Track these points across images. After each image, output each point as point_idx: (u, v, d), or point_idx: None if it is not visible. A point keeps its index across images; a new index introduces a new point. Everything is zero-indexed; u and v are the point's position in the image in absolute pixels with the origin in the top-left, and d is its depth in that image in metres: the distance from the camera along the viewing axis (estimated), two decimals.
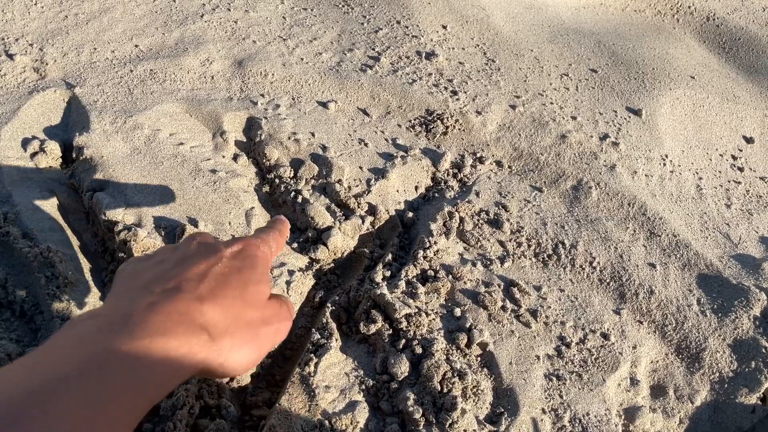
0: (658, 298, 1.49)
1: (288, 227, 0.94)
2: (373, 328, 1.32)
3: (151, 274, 0.69)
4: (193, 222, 1.42)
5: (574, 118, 1.96)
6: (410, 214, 1.62)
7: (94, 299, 1.31)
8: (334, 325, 1.33)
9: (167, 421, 1.09)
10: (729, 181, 1.94)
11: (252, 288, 0.73)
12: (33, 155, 1.55)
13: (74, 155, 1.55)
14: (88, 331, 0.55)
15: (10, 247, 1.34)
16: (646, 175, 1.83)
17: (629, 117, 2.04)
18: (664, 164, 1.90)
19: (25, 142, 1.57)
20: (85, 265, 1.38)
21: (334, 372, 1.25)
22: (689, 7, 2.82)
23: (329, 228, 1.51)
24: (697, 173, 1.92)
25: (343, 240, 1.52)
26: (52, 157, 1.56)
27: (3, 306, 1.28)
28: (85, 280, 1.34)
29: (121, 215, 1.41)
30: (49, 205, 1.46)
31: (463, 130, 1.86)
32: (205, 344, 0.61)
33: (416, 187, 1.70)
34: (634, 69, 2.30)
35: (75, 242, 1.42)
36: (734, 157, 2.05)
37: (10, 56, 1.75)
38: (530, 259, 1.56)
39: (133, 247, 1.33)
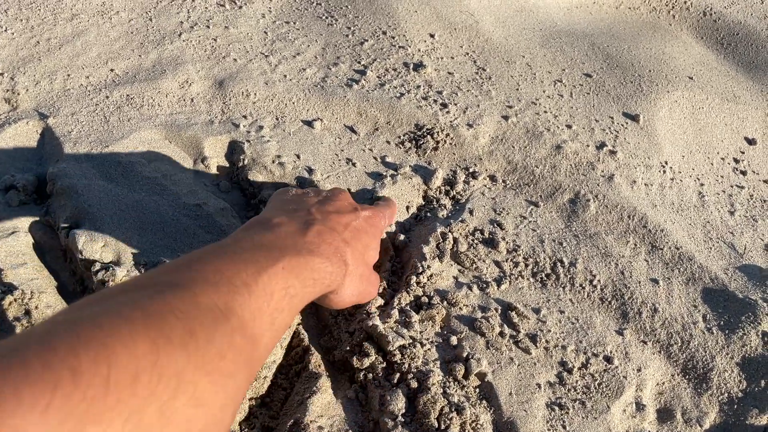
0: (662, 316, 1.44)
1: (396, 208, 1.28)
2: (366, 362, 1.26)
3: (314, 203, 0.94)
4: (176, 257, 1.36)
5: (569, 126, 1.90)
6: (402, 237, 1.57)
7: None
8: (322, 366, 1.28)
9: None
10: (732, 186, 1.88)
11: (371, 252, 1.01)
12: (5, 192, 1.49)
13: (48, 190, 1.49)
14: (279, 236, 0.79)
15: None
16: (645, 184, 1.77)
17: (626, 123, 1.97)
18: (664, 171, 1.84)
19: None
20: (63, 308, 1.32)
21: (326, 414, 1.19)
22: (685, 2, 2.75)
23: None
24: (699, 179, 1.86)
25: None
26: (25, 192, 1.50)
27: None
28: None
29: (99, 253, 1.35)
30: (24, 245, 1.40)
31: (455, 145, 1.80)
32: (341, 275, 0.86)
33: (407, 207, 1.64)
34: (629, 72, 2.24)
35: (52, 283, 1.37)
36: (736, 160, 1.99)
37: None
38: (528, 279, 1.50)
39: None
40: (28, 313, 1.25)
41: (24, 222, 1.45)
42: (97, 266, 1.31)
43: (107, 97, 1.74)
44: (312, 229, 0.83)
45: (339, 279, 0.84)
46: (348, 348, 1.31)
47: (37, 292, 1.30)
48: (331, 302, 0.91)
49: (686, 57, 2.44)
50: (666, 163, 1.87)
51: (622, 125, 1.96)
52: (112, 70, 1.82)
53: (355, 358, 1.27)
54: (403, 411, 1.20)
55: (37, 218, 1.48)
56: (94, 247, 1.36)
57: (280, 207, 0.93)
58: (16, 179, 1.50)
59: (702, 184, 1.85)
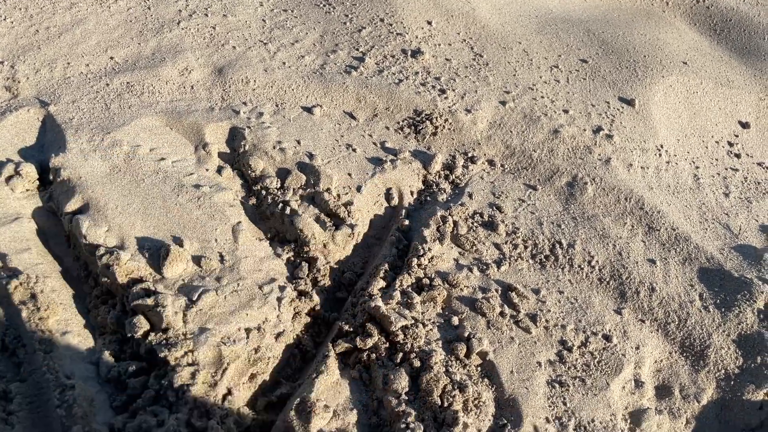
0: (660, 295, 1.46)
1: None
2: (369, 342, 1.28)
3: None
4: (178, 241, 1.38)
5: (566, 111, 1.92)
6: (406, 222, 1.58)
7: (77, 327, 1.26)
8: (331, 349, 1.30)
9: None
10: (726, 169, 1.90)
11: None
12: (8, 179, 1.49)
13: (51, 177, 1.50)
14: None
15: None
16: (641, 168, 1.79)
17: (622, 107, 1.99)
18: (660, 155, 1.86)
19: (0, 166, 1.51)
20: (68, 292, 1.33)
21: (331, 392, 1.21)
22: None
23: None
24: (694, 162, 1.89)
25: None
26: (28, 180, 1.50)
27: None
28: (68, 308, 1.29)
29: (103, 238, 1.36)
30: (28, 231, 1.41)
31: (453, 130, 1.82)
32: None
33: (411, 192, 1.66)
34: (625, 57, 2.25)
35: (56, 268, 1.38)
36: (730, 144, 2.02)
37: None
38: (527, 261, 1.52)
39: (116, 271, 1.28)
40: (33, 297, 1.26)
41: (27, 208, 1.46)
42: (102, 250, 1.32)
43: (107, 84, 1.74)
44: None
45: None
46: (351, 329, 1.33)
47: (42, 276, 1.31)
48: None
49: (680, 43, 2.46)
50: (661, 146, 1.89)
51: (618, 110, 1.98)
52: (111, 57, 1.83)
53: (358, 339, 1.28)
54: (407, 389, 1.22)
55: (41, 204, 1.49)
56: (98, 232, 1.37)
57: None
58: (18, 166, 1.50)
59: (697, 167, 1.87)
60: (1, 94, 1.66)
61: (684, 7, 2.74)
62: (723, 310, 1.44)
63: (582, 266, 1.51)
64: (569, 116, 1.90)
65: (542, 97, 1.98)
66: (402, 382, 1.22)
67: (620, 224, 1.62)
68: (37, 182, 1.52)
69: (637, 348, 1.36)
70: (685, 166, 1.86)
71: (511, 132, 1.84)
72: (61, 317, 1.26)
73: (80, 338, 1.25)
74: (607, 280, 1.49)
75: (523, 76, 2.07)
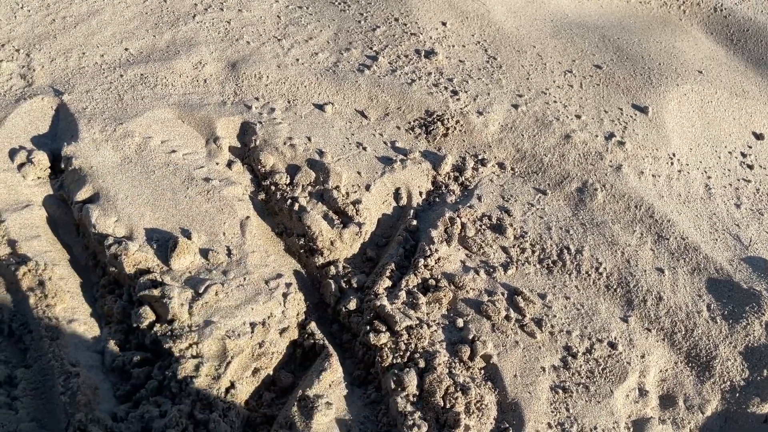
0: (667, 304, 1.45)
1: None
2: (383, 338, 1.28)
3: None
4: (186, 234, 1.38)
5: (578, 116, 1.91)
6: (414, 222, 1.58)
7: (84, 316, 1.27)
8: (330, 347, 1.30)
9: None
10: (738, 180, 1.89)
11: None
12: (20, 166, 1.50)
13: (63, 165, 1.51)
14: None
15: None
16: (653, 176, 1.78)
17: (635, 115, 1.98)
18: (672, 163, 1.85)
19: (12, 153, 1.52)
20: (75, 281, 1.34)
21: (334, 390, 1.21)
22: None
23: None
24: (706, 172, 1.87)
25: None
26: (40, 167, 1.51)
27: None
28: (75, 296, 1.30)
29: (112, 228, 1.37)
30: (38, 219, 1.42)
31: (464, 132, 1.82)
32: None
33: (419, 192, 1.66)
34: (639, 64, 2.24)
35: (65, 256, 1.39)
36: (743, 155, 2.00)
37: None
38: (534, 265, 1.52)
39: (124, 261, 1.29)
40: (41, 284, 1.27)
41: (38, 196, 1.47)
42: (110, 240, 1.33)
43: (121, 75, 1.75)
44: None
45: None
46: (357, 328, 1.33)
47: (51, 264, 1.32)
48: None
49: (696, 51, 2.44)
50: (674, 155, 1.88)
51: (631, 117, 1.97)
52: (126, 49, 1.84)
53: (371, 335, 1.28)
54: (414, 390, 1.21)
55: (51, 192, 1.49)
56: (107, 221, 1.37)
57: None
58: (31, 154, 1.51)
59: (709, 177, 1.86)
60: (16, 81, 1.67)
61: (701, 16, 2.72)
62: (731, 321, 1.43)
63: (589, 272, 1.50)
64: (581, 121, 1.90)
65: (555, 101, 1.97)
66: (413, 383, 1.22)
67: (629, 232, 1.61)
68: (49, 170, 1.53)
69: (643, 357, 1.35)
70: (697, 175, 1.85)
71: (523, 135, 1.84)
72: (68, 305, 1.27)
73: (86, 327, 1.26)
74: (615, 287, 1.48)
75: (537, 79, 2.06)
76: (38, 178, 1.51)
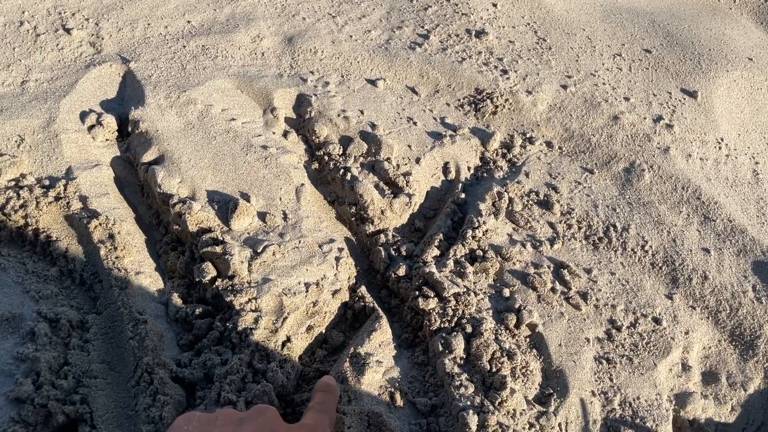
0: (712, 283, 1.46)
1: (337, 389, 1.08)
2: (431, 303, 1.32)
3: None
4: (246, 197, 1.44)
5: (627, 99, 1.92)
6: (462, 195, 1.62)
7: (149, 269, 1.34)
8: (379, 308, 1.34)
9: (219, 384, 1.12)
10: None
11: None
12: (90, 128, 1.58)
13: (130, 129, 1.58)
14: None
15: (70, 217, 1.37)
16: (700, 159, 1.79)
17: (684, 99, 1.98)
18: (720, 148, 1.85)
19: (83, 115, 1.60)
20: (141, 237, 1.41)
21: (384, 350, 1.26)
22: None
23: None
24: (754, 158, 1.87)
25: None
26: (108, 130, 1.59)
27: (64, 274, 1.32)
28: (141, 251, 1.37)
29: (176, 188, 1.43)
30: (107, 178, 1.49)
31: (513, 110, 1.84)
32: None
33: (468, 167, 1.69)
34: (689, 50, 2.23)
35: (131, 214, 1.46)
36: None
37: (68, 30, 1.78)
38: (581, 241, 1.54)
39: (188, 220, 1.35)
40: (111, 237, 1.34)
41: (106, 156, 1.55)
42: (175, 200, 1.39)
43: (184, 46, 1.82)
44: None
45: None
46: (406, 293, 1.37)
47: (119, 220, 1.39)
48: None
49: (746, 39, 2.42)
50: (722, 139, 1.88)
51: (680, 101, 1.97)
52: (188, 21, 1.90)
53: (420, 300, 1.32)
54: (461, 353, 1.25)
55: (118, 154, 1.57)
56: (172, 182, 1.44)
57: None
58: (100, 117, 1.59)
59: (757, 162, 1.85)
60: (86, 49, 1.75)
61: (751, 5, 2.69)
62: None
63: (635, 250, 1.52)
64: (630, 104, 1.90)
65: (604, 83, 1.98)
66: (460, 346, 1.25)
67: (676, 212, 1.62)
68: (116, 133, 1.61)
69: (687, 333, 1.37)
70: (744, 160, 1.84)
71: (571, 115, 1.85)
72: (135, 258, 1.34)
73: (151, 279, 1.33)
74: (660, 265, 1.50)
75: (586, 62, 2.07)
76: (106, 140, 1.59)
